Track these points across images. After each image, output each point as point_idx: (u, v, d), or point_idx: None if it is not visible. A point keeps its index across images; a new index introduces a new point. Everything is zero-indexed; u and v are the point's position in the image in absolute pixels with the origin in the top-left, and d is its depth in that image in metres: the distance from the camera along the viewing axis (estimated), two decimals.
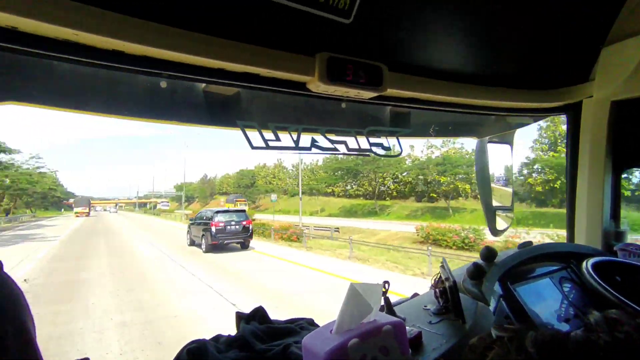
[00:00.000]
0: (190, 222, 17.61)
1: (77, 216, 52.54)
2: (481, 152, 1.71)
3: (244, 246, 15.42)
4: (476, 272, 1.10)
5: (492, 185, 1.76)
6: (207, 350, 0.88)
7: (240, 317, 1.07)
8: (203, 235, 14.94)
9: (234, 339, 0.96)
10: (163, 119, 0.99)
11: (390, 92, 1.09)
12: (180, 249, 15.52)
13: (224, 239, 14.60)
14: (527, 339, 0.36)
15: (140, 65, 0.79)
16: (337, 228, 24.82)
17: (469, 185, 31.97)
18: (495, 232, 1.80)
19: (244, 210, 16.65)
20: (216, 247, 14.56)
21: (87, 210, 56.28)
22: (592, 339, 0.35)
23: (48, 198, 62.65)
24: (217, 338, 0.98)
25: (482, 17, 0.92)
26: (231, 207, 41.01)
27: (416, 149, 42.81)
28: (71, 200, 76.50)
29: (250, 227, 15.76)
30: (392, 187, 45.74)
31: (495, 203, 1.79)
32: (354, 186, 51.65)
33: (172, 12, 0.74)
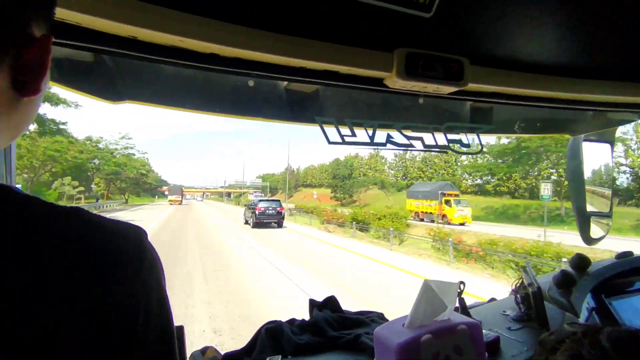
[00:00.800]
0: (245, 206, 25.33)
1: (171, 204, 51.37)
2: (574, 151, 1.55)
3: (279, 225, 21.05)
4: (565, 281, 1.02)
5: (587, 187, 1.59)
6: (283, 331, 0.95)
7: (314, 305, 1.12)
8: (251, 216, 20.95)
9: (307, 324, 1.01)
10: (249, 115, 1.07)
11: (471, 86, 1.05)
12: None
13: (264, 219, 20.50)
14: (602, 334, 0.34)
15: (231, 66, 0.86)
16: None
17: None
18: (589, 240, 1.63)
19: (278, 200, 22.86)
20: (258, 224, 20.24)
21: (179, 199, 54.54)
22: None
23: (140, 184, 61.85)
24: (292, 321, 1.04)
25: (579, 1, 0.84)
26: (428, 204, 29.75)
27: None
28: (164, 188, 77.51)
29: (283, 212, 21.50)
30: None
31: (590, 208, 1.62)
32: (492, 180, 39.06)
33: (260, 16, 0.80)
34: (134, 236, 0.36)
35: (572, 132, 1.54)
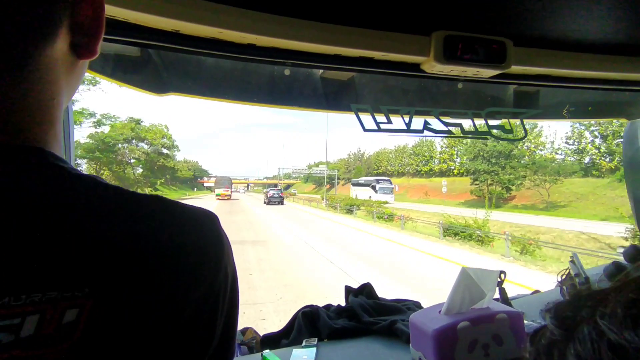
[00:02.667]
0: (264, 193, 41.18)
1: (218, 199, 41.32)
2: (632, 136, 1.44)
3: (281, 203, 35.46)
4: (618, 274, 0.95)
5: None
6: (320, 315, 0.97)
7: (349, 291, 1.13)
8: (265, 199, 36.23)
9: (343, 309, 1.03)
10: (285, 105, 1.09)
11: (515, 69, 0.99)
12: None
13: (271, 199, 35.20)
14: (568, 352, 0.23)
15: (268, 55, 0.88)
16: None
17: None
18: None
19: (280, 189, 39.34)
20: (268, 203, 34.85)
21: (229, 193, 43.71)
22: None
23: (156, 170, 40.57)
24: (328, 307, 1.06)
25: None
26: None
27: None
28: (206, 179, 69.22)
29: (283, 196, 37.51)
30: None
31: None
32: None
33: (294, 4, 0.80)
34: (212, 221, 0.39)
35: (629, 115, 1.43)
